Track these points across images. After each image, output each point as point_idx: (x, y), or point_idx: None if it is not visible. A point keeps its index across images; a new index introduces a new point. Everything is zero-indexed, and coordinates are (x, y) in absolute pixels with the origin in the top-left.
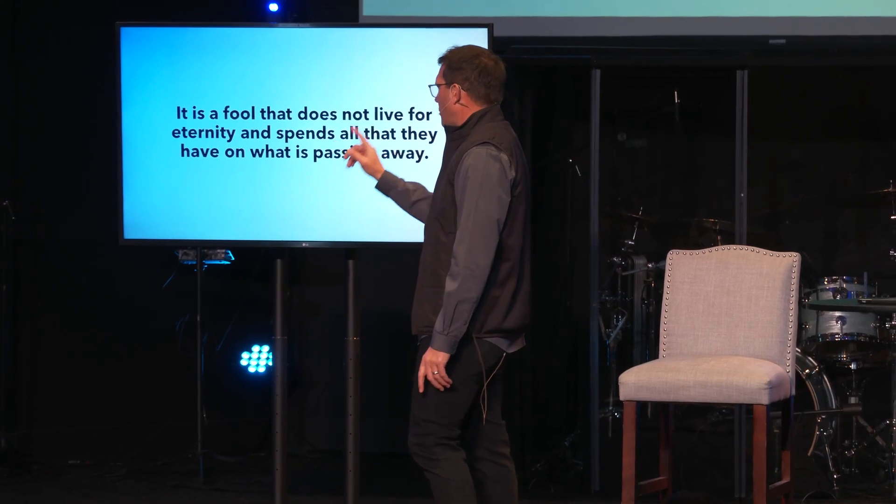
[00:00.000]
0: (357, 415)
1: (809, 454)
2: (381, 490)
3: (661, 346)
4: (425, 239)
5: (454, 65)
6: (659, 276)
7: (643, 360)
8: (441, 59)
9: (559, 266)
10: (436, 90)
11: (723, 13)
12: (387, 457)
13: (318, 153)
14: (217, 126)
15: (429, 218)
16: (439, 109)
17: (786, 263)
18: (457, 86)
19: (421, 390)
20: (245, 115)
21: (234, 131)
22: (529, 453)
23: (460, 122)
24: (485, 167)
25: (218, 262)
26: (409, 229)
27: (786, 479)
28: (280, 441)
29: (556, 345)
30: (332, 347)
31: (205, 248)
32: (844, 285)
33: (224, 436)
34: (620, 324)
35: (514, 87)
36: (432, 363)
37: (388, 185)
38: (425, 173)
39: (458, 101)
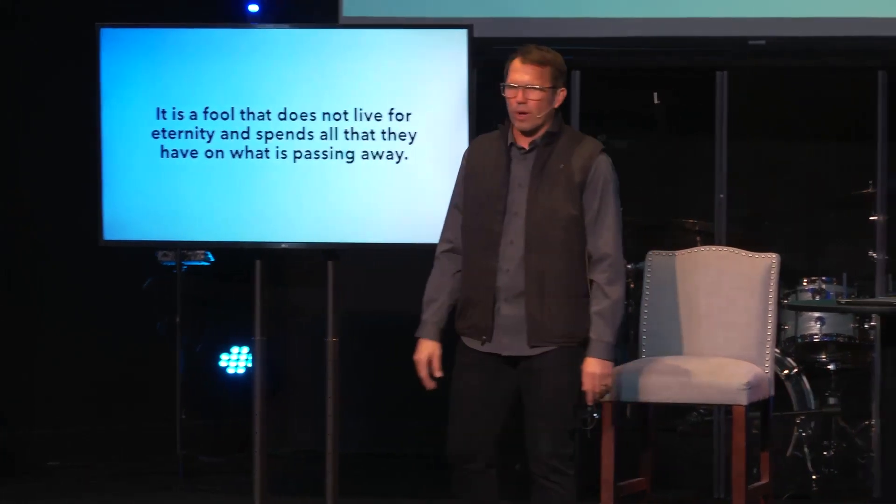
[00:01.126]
0: (337, 415)
1: (788, 455)
2: (361, 491)
3: (641, 347)
4: (534, 246)
5: (561, 68)
6: (639, 276)
7: (623, 360)
8: (543, 62)
9: None
10: (536, 93)
11: (703, 14)
12: (367, 457)
13: (298, 154)
14: (196, 127)
15: (536, 224)
16: (534, 111)
17: (765, 264)
18: (564, 90)
19: (590, 402)
20: (225, 116)
21: (213, 132)
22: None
23: (550, 125)
24: (613, 174)
25: (197, 263)
26: (390, 230)
27: (765, 480)
28: (260, 442)
29: None
30: (313, 348)
31: (184, 249)
32: (824, 286)
33: (204, 437)
34: None
35: (493, 89)
36: (604, 375)
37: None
38: (404, 174)
39: (559, 104)
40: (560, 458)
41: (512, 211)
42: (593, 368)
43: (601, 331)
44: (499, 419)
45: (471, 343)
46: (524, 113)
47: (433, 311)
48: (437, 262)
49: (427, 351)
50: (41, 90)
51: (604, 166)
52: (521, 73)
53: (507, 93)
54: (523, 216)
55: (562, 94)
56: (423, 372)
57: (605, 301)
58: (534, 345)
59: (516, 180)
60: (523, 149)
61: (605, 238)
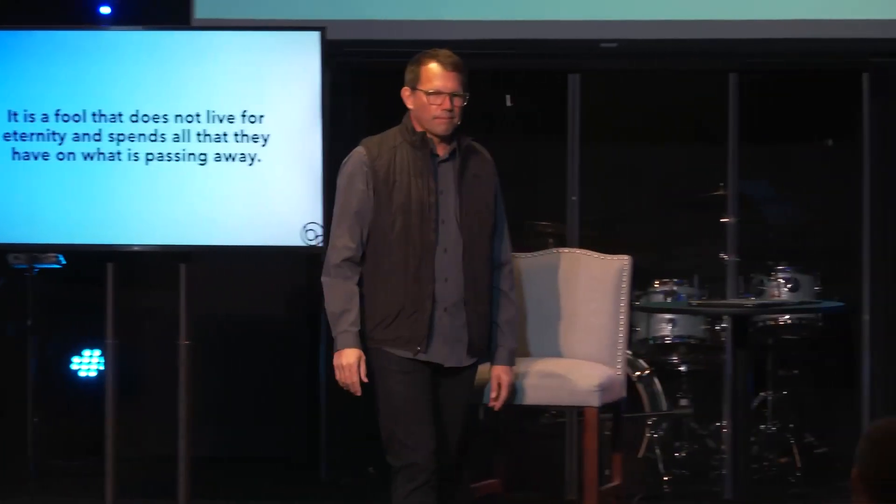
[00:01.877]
0: (189, 419)
1: (640, 456)
2: (213, 494)
3: None
4: (470, 254)
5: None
6: None
7: None
8: (461, 68)
9: None
10: (459, 100)
11: (555, 17)
12: (219, 461)
13: (150, 156)
14: (48, 129)
15: (469, 231)
16: (457, 118)
17: (617, 266)
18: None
19: (498, 409)
20: (76, 118)
21: (65, 134)
22: (361, 457)
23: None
24: None
25: (49, 266)
26: (243, 233)
27: (616, 482)
28: (111, 445)
29: None
30: (167, 351)
31: (36, 252)
32: (675, 288)
33: (56, 440)
34: None
35: (347, 92)
36: (512, 383)
37: None
38: (257, 176)
39: None
40: (453, 462)
41: (441, 219)
42: (508, 377)
43: (511, 339)
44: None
45: (399, 352)
46: (449, 119)
47: (350, 321)
48: (337, 270)
49: (355, 356)
50: None
51: (493, 166)
52: (446, 79)
53: (432, 99)
54: (455, 224)
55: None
56: (354, 377)
57: (511, 308)
58: (472, 354)
59: (440, 187)
60: (438, 156)
61: (506, 244)
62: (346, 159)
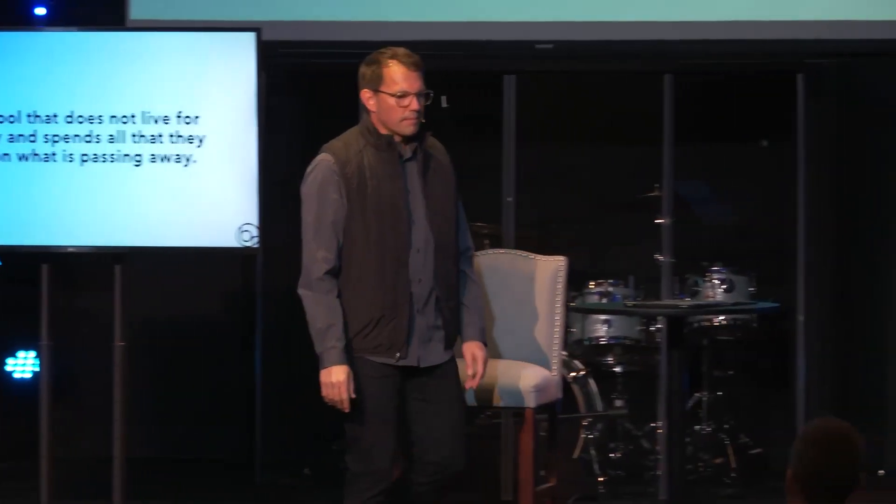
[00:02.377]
0: (124, 420)
1: (575, 457)
2: (148, 496)
3: None
4: (441, 252)
5: None
6: None
7: None
8: (422, 67)
9: None
10: (424, 99)
11: (490, 18)
12: (154, 462)
13: (85, 157)
14: None
15: (439, 229)
16: (421, 117)
17: (552, 267)
18: None
19: (475, 386)
20: (11, 119)
21: None
22: (297, 458)
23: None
24: None
25: None
26: (178, 234)
27: (552, 482)
28: (46, 447)
29: None
30: (102, 352)
31: None
32: (611, 289)
33: None
34: None
35: (282, 92)
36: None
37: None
38: (193, 178)
39: None
40: (462, 461)
41: (413, 220)
42: (482, 352)
43: (478, 317)
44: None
45: (378, 359)
46: (417, 119)
47: (336, 336)
48: (319, 283)
49: (344, 373)
50: None
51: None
52: (410, 80)
53: (399, 102)
54: (425, 223)
55: None
56: (344, 395)
57: (476, 289)
58: (447, 348)
59: (408, 187)
60: (403, 156)
61: (466, 230)
62: (311, 167)
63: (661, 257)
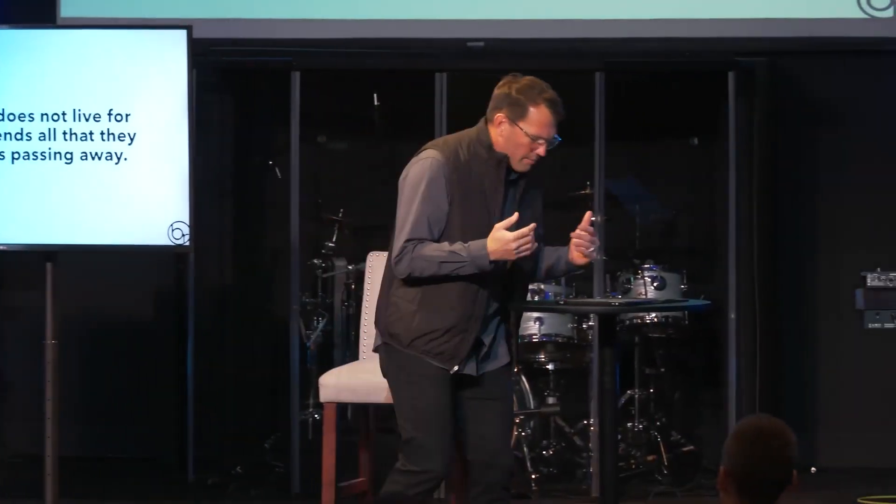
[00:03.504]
0: (56, 418)
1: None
2: (80, 494)
3: (362, 348)
4: (514, 275)
5: None
6: (359, 277)
7: (343, 361)
8: (562, 117)
9: (259, 269)
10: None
11: (422, 16)
12: (86, 461)
13: (16, 155)
14: None
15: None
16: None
17: None
18: None
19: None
20: None
21: None
22: (229, 457)
23: None
24: None
25: None
26: (109, 232)
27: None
28: None
29: (255, 347)
30: (33, 351)
31: None
32: (543, 286)
33: None
34: (321, 326)
35: (214, 90)
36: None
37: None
38: (124, 175)
39: None
40: (509, 457)
41: None
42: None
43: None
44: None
45: (437, 363)
46: (535, 163)
47: (458, 248)
48: (407, 247)
49: (494, 237)
50: None
51: None
52: (551, 128)
53: (532, 144)
54: None
55: None
56: (514, 238)
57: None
58: (498, 360)
59: (504, 209)
60: (507, 176)
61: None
62: (417, 161)
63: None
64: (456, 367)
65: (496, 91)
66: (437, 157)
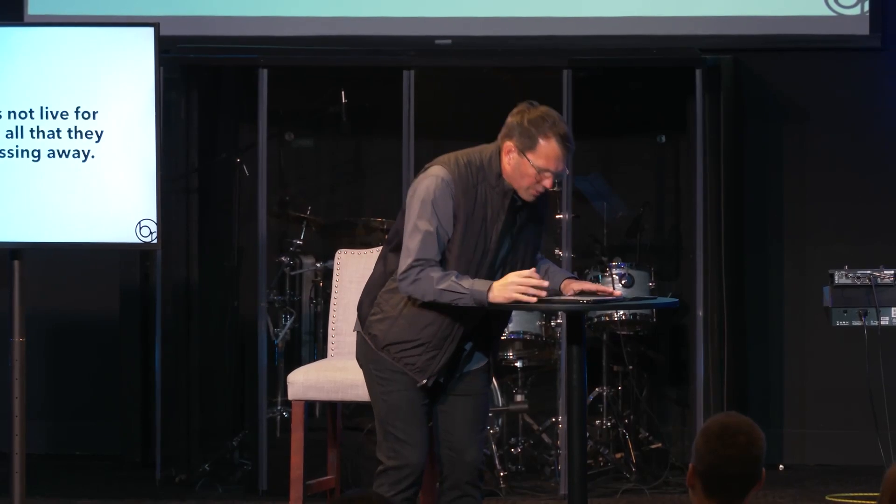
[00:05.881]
0: (23, 416)
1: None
2: (47, 491)
3: (330, 346)
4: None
5: None
6: (327, 275)
7: (311, 359)
8: (572, 151)
9: (226, 266)
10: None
11: (389, 14)
12: (53, 458)
13: None
14: None
15: (526, 257)
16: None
17: None
18: None
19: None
20: None
21: None
22: (196, 454)
23: None
24: None
25: None
26: (77, 229)
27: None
28: None
29: (223, 345)
30: (0, 348)
31: None
32: None
33: None
34: (289, 323)
35: (180, 87)
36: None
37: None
38: (91, 173)
39: None
40: (476, 452)
41: (496, 266)
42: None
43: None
44: None
45: (406, 370)
46: (540, 195)
47: (460, 279)
48: (428, 269)
49: (499, 282)
50: None
51: None
52: (559, 162)
53: (538, 176)
54: (501, 272)
55: None
56: (524, 282)
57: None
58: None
59: (503, 234)
60: (512, 204)
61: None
62: (426, 175)
63: (560, 252)
64: (425, 381)
65: (509, 119)
66: (445, 176)
